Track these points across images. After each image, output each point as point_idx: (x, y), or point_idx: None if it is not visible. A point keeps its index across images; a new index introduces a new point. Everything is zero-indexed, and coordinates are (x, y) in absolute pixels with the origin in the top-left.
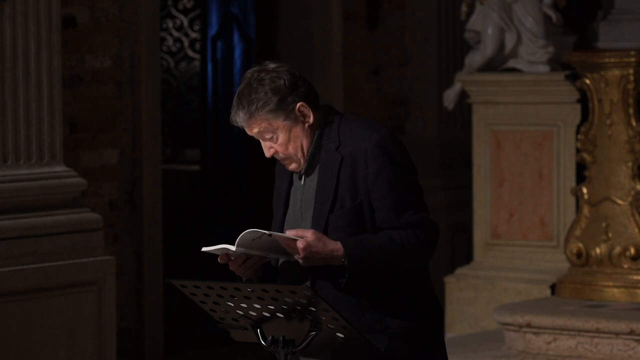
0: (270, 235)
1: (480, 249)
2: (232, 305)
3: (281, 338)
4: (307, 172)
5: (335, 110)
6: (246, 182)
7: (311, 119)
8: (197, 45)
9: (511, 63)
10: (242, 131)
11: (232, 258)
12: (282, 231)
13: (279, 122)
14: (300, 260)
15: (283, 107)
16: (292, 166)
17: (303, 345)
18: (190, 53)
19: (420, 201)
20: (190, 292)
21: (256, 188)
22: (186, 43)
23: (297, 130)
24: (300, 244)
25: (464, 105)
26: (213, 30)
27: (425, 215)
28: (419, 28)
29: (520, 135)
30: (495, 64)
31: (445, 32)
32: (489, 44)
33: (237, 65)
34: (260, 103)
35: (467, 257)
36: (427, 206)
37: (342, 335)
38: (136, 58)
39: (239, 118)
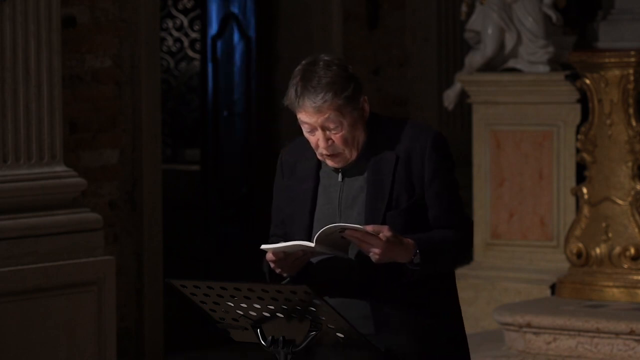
0: (343, 230)
1: (480, 249)
2: (232, 305)
3: (281, 338)
4: (348, 171)
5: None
6: (246, 182)
7: (367, 114)
8: (197, 45)
9: (511, 63)
10: (242, 131)
11: (280, 257)
12: (309, 227)
13: (348, 111)
14: (376, 257)
15: (355, 96)
16: (339, 161)
17: (303, 345)
18: (190, 53)
19: (462, 200)
20: (190, 292)
21: (256, 188)
22: (186, 43)
23: (360, 123)
24: (382, 238)
25: (464, 105)
26: (213, 30)
27: (468, 216)
28: (419, 28)
29: (520, 135)
30: (495, 64)
31: (445, 32)
32: (489, 44)
33: (237, 65)
34: (338, 88)
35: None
36: None
37: (342, 335)
38: (136, 58)
39: (310, 102)
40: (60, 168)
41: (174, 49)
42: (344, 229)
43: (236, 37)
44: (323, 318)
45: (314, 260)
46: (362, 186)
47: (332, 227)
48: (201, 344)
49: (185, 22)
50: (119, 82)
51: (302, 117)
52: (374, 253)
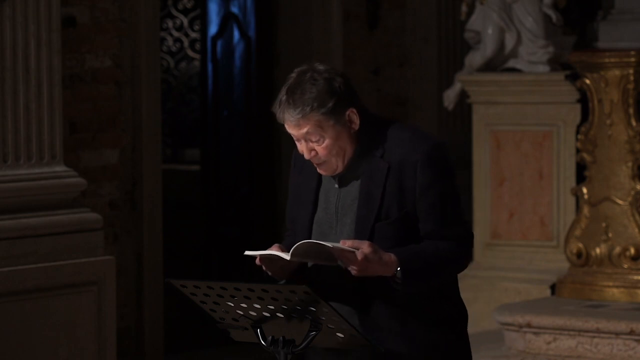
0: (323, 245)
1: (480, 249)
2: (232, 305)
3: (281, 338)
4: (344, 177)
5: (372, 114)
6: (246, 182)
7: (357, 126)
8: (197, 45)
9: (511, 63)
10: (241, 131)
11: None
12: (309, 229)
13: (330, 125)
14: (355, 272)
15: (337, 111)
16: (325, 170)
17: (303, 345)
18: (190, 53)
19: (462, 212)
20: (190, 292)
21: (256, 188)
22: (186, 43)
23: (344, 135)
24: (359, 256)
25: (464, 105)
26: (213, 30)
27: (467, 227)
28: (419, 28)
29: (520, 135)
30: (495, 64)
31: (445, 32)
32: (489, 44)
33: (237, 65)
34: (316, 104)
35: None
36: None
37: (341, 336)
38: (136, 58)
39: (289, 115)
40: (60, 168)
41: (174, 49)
42: (324, 244)
43: (236, 37)
44: (323, 318)
45: (310, 264)
46: (356, 194)
47: (307, 243)
48: (201, 344)
49: (185, 22)
50: (119, 82)
51: (286, 128)
52: (352, 269)
